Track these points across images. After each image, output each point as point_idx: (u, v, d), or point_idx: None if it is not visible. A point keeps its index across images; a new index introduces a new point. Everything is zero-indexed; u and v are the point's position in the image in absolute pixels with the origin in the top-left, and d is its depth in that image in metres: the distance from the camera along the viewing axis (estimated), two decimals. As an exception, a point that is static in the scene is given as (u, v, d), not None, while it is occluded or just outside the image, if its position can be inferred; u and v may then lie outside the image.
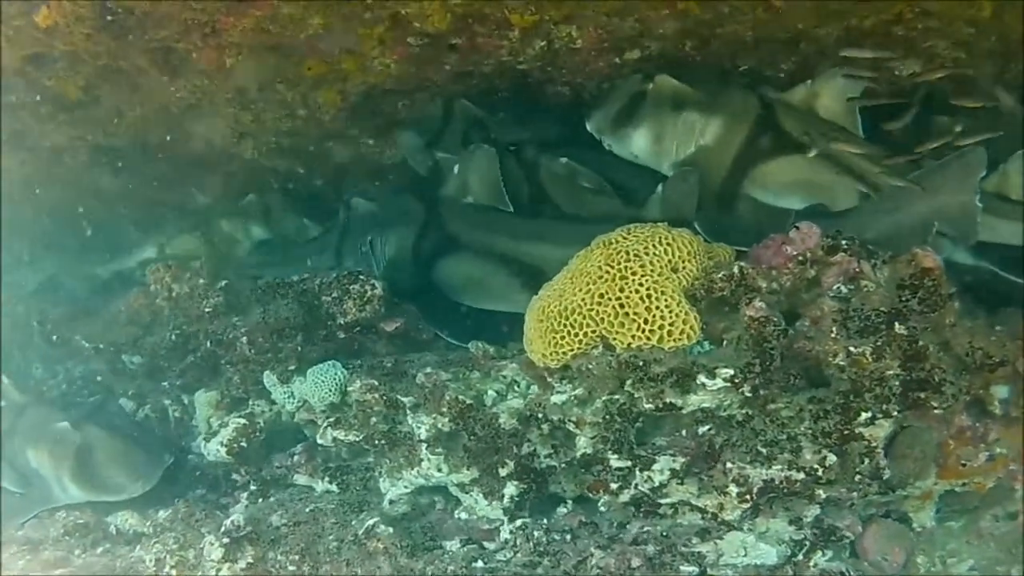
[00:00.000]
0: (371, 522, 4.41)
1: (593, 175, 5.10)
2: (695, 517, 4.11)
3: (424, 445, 4.50)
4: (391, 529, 4.35)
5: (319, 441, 4.84)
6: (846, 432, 3.95)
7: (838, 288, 4.28)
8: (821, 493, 4.02)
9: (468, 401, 4.46)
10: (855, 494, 4.05)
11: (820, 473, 3.96)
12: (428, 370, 4.70)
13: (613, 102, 5.09)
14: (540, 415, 4.31)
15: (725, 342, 4.18)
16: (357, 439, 4.69)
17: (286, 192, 6.81)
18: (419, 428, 4.52)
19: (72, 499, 5.28)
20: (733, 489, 3.98)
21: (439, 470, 4.48)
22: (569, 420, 4.24)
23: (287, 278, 5.34)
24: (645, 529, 4.12)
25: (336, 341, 5.09)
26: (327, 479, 4.89)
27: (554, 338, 4.28)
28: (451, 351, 5.01)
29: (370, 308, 5.03)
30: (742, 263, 4.30)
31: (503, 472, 4.36)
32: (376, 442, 4.62)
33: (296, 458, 5.00)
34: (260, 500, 4.98)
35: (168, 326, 5.61)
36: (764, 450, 3.95)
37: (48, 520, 5.28)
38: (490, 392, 4.59)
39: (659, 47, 4.98)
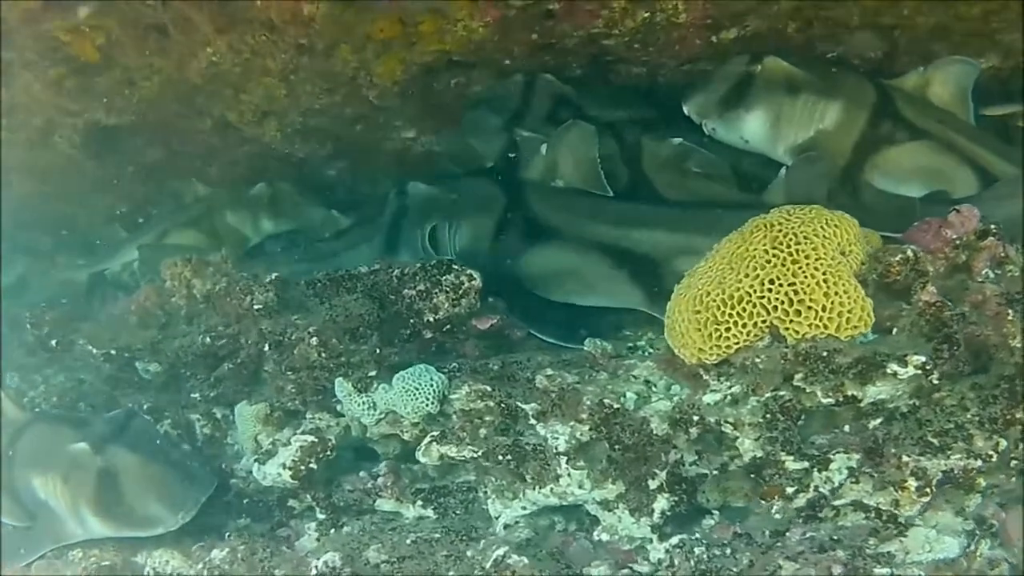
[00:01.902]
0: (499, 552, 3.30)
1: (710, 157, 4.18)
2: (858, 517, 3.36)
3: (563, 459, 3.42)
4: (525, 559, 3.26)
5: (421, 459, 3.67)
6: (1009, 417, 3.28)
7: (986, 273, 3.61)
8: (981, 482, 3.33)
9: (615, 406, 3.43)
10: (1013, 480, 3.35)
11: (994, 460, 3.27)
12: (549, 372, 3.64)
13: (716, 84, 4.21)
14: (694, 417, 3.38)
15: (895, 329, 3.44)
16: (473, 455, 3.55)
17: (300, 181, 5.57)
18: (555, 439, 3.44)
19: (91, 535, 3.89)
20: (912, 483, 3.26)
21: (580, 486, 3.42)
22: (726, 421, 3.37)
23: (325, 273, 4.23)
24: (807, 535, 3.32)
25: (421, 341, 3.92)
26: (420, 503, 3.74)
27: (717, 330, 3.39)
28: (553, 351, 3.95)
29: (465, 303, 3.88)
30: (912, 247, 3.56)
31: (653, 484, 3.37)
32: (499, 457, 3.50)
33: (381, 480, 3.82)
34: (332, 531, 3.77)
35: (197, 327, 4.33)
36: (936, 440, 3.28)
37: (60, 561, 3.90)
38: (629, 395, 3.57)
39: (758, 27, 4.27)
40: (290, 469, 3.79)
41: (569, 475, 3.44)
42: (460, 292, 3.85)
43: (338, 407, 3.95)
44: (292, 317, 3.94)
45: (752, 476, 3.42)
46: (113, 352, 4.49)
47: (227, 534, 3.82)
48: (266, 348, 3.96)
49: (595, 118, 4.29)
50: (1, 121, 5.04)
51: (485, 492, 3.62)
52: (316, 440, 3.80)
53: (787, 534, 3.35)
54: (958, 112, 4.36)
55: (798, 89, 4.23)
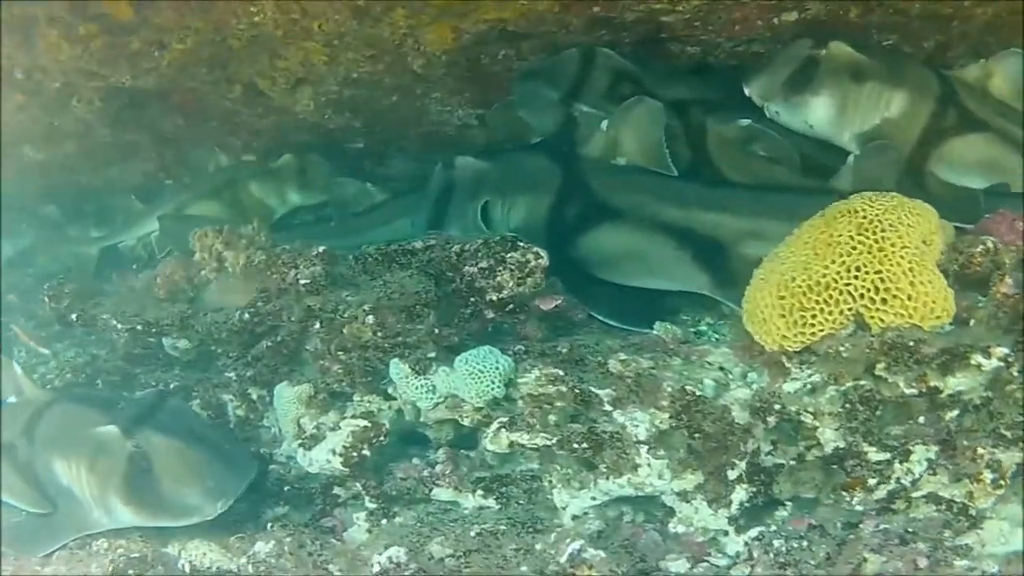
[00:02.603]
0: (574, 546, 2.97)
1: (778, 140, 3.85)
2: (930, 509, 3.12)
3: (644, 447, 3.10)
4: (602, 553, 2.93)
5: (489, 446, 3.28)
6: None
7: (1051, 266, 3.42)
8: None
9: (696, 393, 3.13)
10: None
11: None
12: (622, 356, 3.30)
13: (780, 67, 3.88)
14: (774, 406, 3.11)
15: (973, 321, 3.22)
16: (546, 442, 3.17)
17: (329, 153, 5.11)
18: (634, 427, 3.11)
19: (119, 524, 3.46)
20: (987, 475, 3.05)
21: (660, 477, 3.10)
22: (805, 411, 3.11)
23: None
24: (881, 527, 3.07)
25: (481, 321, 3.53)
26: (480, 492, 3.36)
27: (803, 317, 3.13)
28: (619, 334, 3.59)
29: (531, 282, 3.48)
30: (992, 238, 3.36)
31: (732, 475, 3.10)
32: (574, 445, 3.14)
33: (439, 467, 3.44)
34: (384, 521, 3.38)
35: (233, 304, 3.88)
36: (1008, 433, 3.07)
37: (84, 552, 3.46)
38: (707, 382, 3.27)
39: (818, 10, 3.97)
40: (340, 455, 3.39)
41: (649, 465, 3.14)
42: (526, 271, 3.46)
43: (389, 389, 3.56)
44: (342, 294, 3.51)
45: (832, 467, 3.17)
46: (139, 327, 4.03)
47: (269, 525, 3.43)
48: (315, 326, 3.53)
49: (657, 96, 3.92)
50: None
51: (550, 481, 3.28)
52: (369, 425, 3.41)
53: (860, 526, 3.11)
54: (1017, 105, 4.11)
55: (863, 76, 3.95)
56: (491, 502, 3.35)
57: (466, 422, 3.43)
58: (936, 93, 4.00)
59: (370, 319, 3.37)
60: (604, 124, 3.89)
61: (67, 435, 3.66)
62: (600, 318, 3.64)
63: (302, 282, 3.57)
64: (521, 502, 3.35)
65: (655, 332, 3.52)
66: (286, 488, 3.60)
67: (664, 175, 3.79)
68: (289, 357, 3.76)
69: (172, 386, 4.05)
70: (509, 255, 3.47)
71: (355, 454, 3.39)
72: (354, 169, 5.06)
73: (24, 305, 5.19)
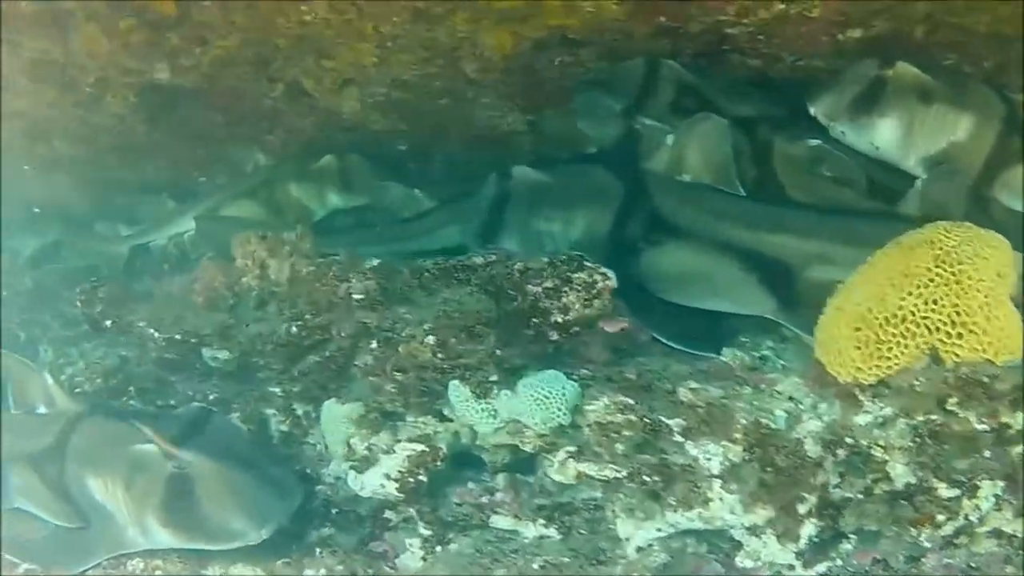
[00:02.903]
0: (641, 580, 2.77)
1: (847, 162, 3.62)
2: (991, 544, 3.02)
3: (718, 482, 2.93)
4: (669, 588, 2.74)
5: (555, 476, 3.09)
6: None
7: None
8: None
9: (772, 426, 2.97)
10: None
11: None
12: (693, 385, 3.11)
13: (846, 87, 3.66)
14: (846, 439, 2.98)
15: None
16: (615, 474, 2.99)
17: (371, 155, 4.84)
18: (707, 459, 2.95)
19: (156, 545, 3.24)
20: None
21: (732, 511, 2.92)
22: (876, 444, 2.98)
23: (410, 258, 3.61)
24: (944, 561, 2.99)
25: (544, 343, 3.30)
26: (542, 521, 3.15)
27: (879, 349, 2.98)
28: (685, 358, 3.37)
29: (598, 304, 3.26)
30: None
31: (802, 509, 2.94)
32: (644, 478, 2.96)
33: (500, 495, 3.22)
34: (439, 548, 3.17)
35: (278, 313, 3.65)
36: None
37: (119, 571, 3.26)
38: (778, 413, 3.07)
39: (883, 28, 3.76)
40: (395, 480, 3.20)
41: (721, 499, 2.97)
42: (593, 292, 3.24)
43: (445, 411, 3.33)
44: (399, 310, 3.28)
45: (901, 501, 3.01)
46: (178, 337, 3.79)
47: (317, 549, 3.21)
48: (369, 343, 3.29)
49: (723, 111, 3.70)
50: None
51: (614, 511, 3.08)
52: (426, 449, 3.19)
53: (923, 560, 3.02)
54: None
55: (930, 97, 3.74)
56: (552, 531, 3.17)
57: (527, 448, 3.22)
58: (1001, 116, 3.79)
59: (430, 339, 3.14)
60: (669, 139, 3.67)
61: (103, 451, 3.43)
62: (664, 340, 3.41)
63: (356, 297, 3.34)
64: (583, 532, 3.18)
65: (723, 358, 3.32)
66: (334, 510, 3.38)
67: (731, 194, 3.58)
68: (337, 373, 3.53)
69: (210, 397, 3.83)
70: (576, 275, 3.25)
71: (411, 479, 3.19)
72: (396, 171, 4.79)
73: (51, 304, 4.92)
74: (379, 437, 3.33)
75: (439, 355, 3.14)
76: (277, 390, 3.62)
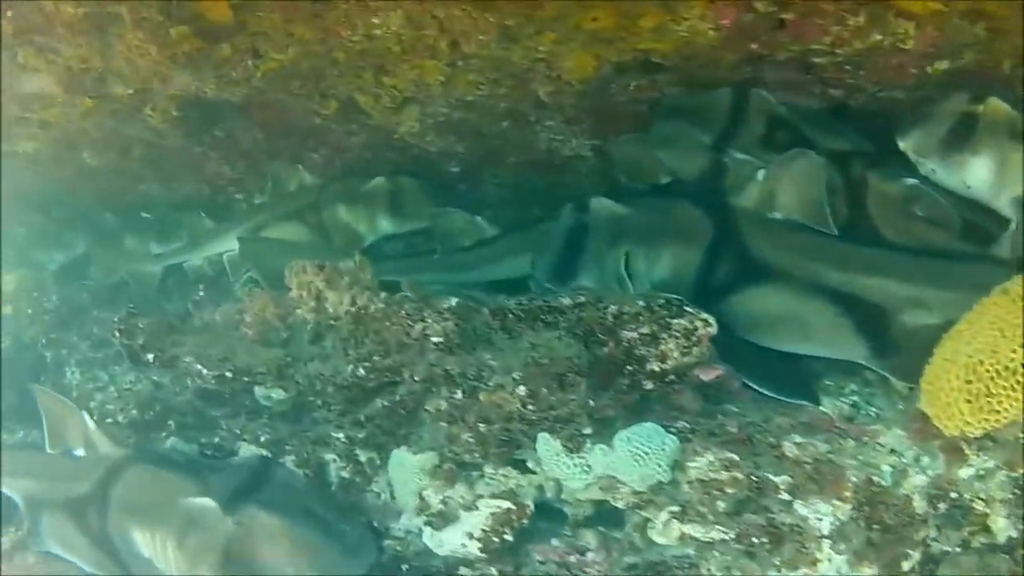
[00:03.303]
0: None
1: (941, 203, 3.32)
2: None
3: (827, 542, 2.70)
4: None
5: (658, 539, 2.79)
6: None
7: None
8: None
9: (883, 483, 2.76)
10: None
11: None
12: (798, 439, 2.86)
13: (937, 122, 3.35)
14: (951, 494, 2.81)
15: None
16: (723, 536, 2.71)
17: (422, 178, 4.43)
18: (818, 520, 2.71)
19: (209, 606, 2.96)
20: None
21: (839, 571, 2.71)
22: (977, 497, 2.82)
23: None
24: None
25: (639, 393, 2.99)
26: None
27: (989, 402, 2.76)
28: (782, 407, 3.08)
29: (696, 352, 2.94)
30: None
31: (906, 566, 2.76)
32: (753, 540, 2.69)
33: (591, 555, 2.91)
34: (522, 613, 2.87)
35: (344, 353, 3.27)
36: None
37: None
38: (884, 468, 2.85)
39: (970, 60, 3.42)
40: (479, 540, 2.87)
41: (830, 560, 2.76)
42: (692, 339, 2.92)
43: (528, 463, 3.01)
44: (483, 356, 2.94)
45: (1001, 554, 2.83)
46: (228, 374, 3.42)
47: (391, 614, 2.90)
48: (449, 390, 2.95)
49: (815, 145, 3.39)
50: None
51: (709, 570, 2.81)
52: (512, 506, 2.87)
53: None
54: None
55: (1021, 135, 3.39)
56: (644, 592, 2.87)
57: (619, 504, 2.90)
58: None
59: (521, 390, 2.81)
60: (760, 174, 3.35)
61: (151, 501, 3.12)
62: (758, 389, 3.10)
63: (433, 340, 2.99)
64: (675, 593, 2.88)
65: (822, 408, 3.04)
66: (404, 566, 3.08)
67: (825, 234, 3.28)
68: (406, 419, 3.20)
69: (262, 438, 3.48)
70: (675, 321, 2.93)
71: (496, 539, 2.88)
72: (447, 194, 4.44)
73: (78, 323, 4.53)
74: (455, 490, 3.02)
75: (530, 405, 2.82)
76: (340, 435, 3.29)
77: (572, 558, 2.93)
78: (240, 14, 3.32)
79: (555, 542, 3.01)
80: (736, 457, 2.77)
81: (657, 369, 2.94)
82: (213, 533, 2.90)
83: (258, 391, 3.47)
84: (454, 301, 3.07)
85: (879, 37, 3.22)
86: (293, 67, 3.62)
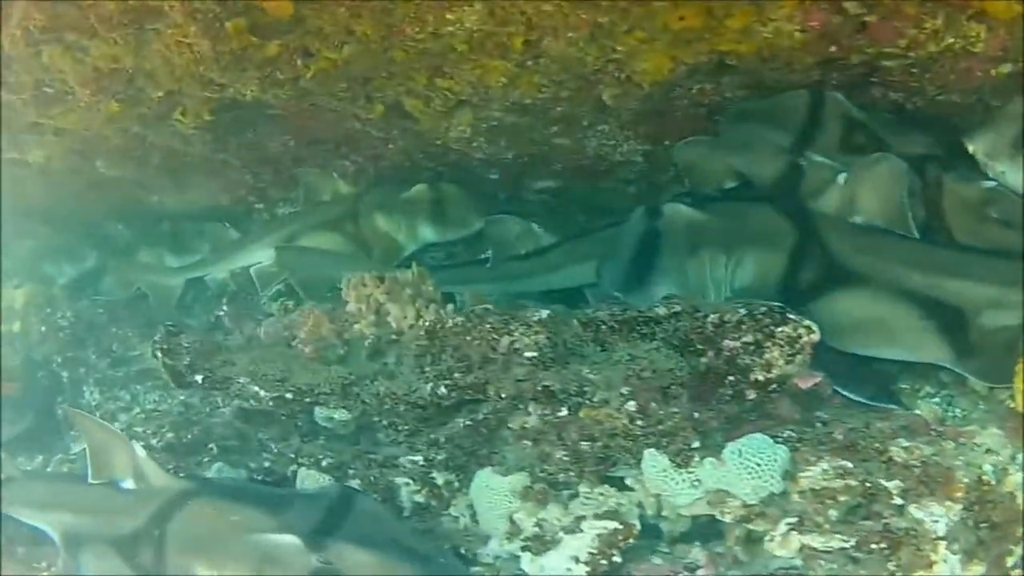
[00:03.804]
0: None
1: (1018, 205, 3.21)
2: None
3: (943, 543, 2.56)
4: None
5: (778, 552, 2.58)
6: None
7: None
8: None
9: (991, 482, 2.64)
10: None
11: None
12: (903, 443, 2.72)
13: (1005, 125, 3.24)
14: None
15: None
16: (843, 544, 2.53)
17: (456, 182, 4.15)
18: (933, 521, 2.58)
19: (290, 650, 2.63)
20: None
21: (952, 572, 2.57)
22: None
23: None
24: None
25: (742, 404, 2.80)
26: None
27: None
28: (876, 412, 2.91)
29: (799, 360, 2.76)
30: None
31: (1010, 562, 2.64)
32: (872, 546, 2.53)
33: (701, 572, 2.67)
34: (627, 638, 2.64)
35: (418, 371, 2.99)
36: None
37: None
38: (986, 467, 2.73)
39: None
40: (587, 564, 2.61)
41: (945, 561, 2.62)
42: (796, 347, 2.74)
43: (625, 480, 2.78)
44: (579, 368, 2.70)
45: None
46: (288, 395, 3.10)
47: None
48: (540, 406, 2.70)
49: (892, 148, 3.25)
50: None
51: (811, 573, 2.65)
52: (619, 526, 2.63)
53: None
54: None
55: None
56: (756, 604, 2.67)
57: (727, 518, 2.70)
58: None
59: (632, 405, 2.58)
60: (841, 178, 3.20)
61: (218, 538, 2.75)
62: (848, 394, 2.95)
63: (527, 355, 2.74)
64: (784, 601, 2.71)
65: (917, 412, 2.92)
66: (495, 595, 2.80)
67: (907, 237, 3.15)
68: (488, 438, 2.94)
69: (323, 462, 3.16)
70: (779, 329, 2.74)
71: (604, 561, 2.64)
72: (486, 202, 4.17)
73: (95, 338, 4.11)
74: (548, 512, 2.77)
75: (639, 421, 2.60)
76: (417, 456, 3.00)
77: (671, 571, 2.71)
78: (300, 8, 3.02)
79: (656, 560, 2.79)
80: (850, 464, 2.62)
81: (761, 379, 2.75)
82: (294, 567, 2.59)
83: (319, 412, 3.17)
84: (545, 313, 2.84)
85: (952, 40, 3.12)
86: (344, 68, 3.33)
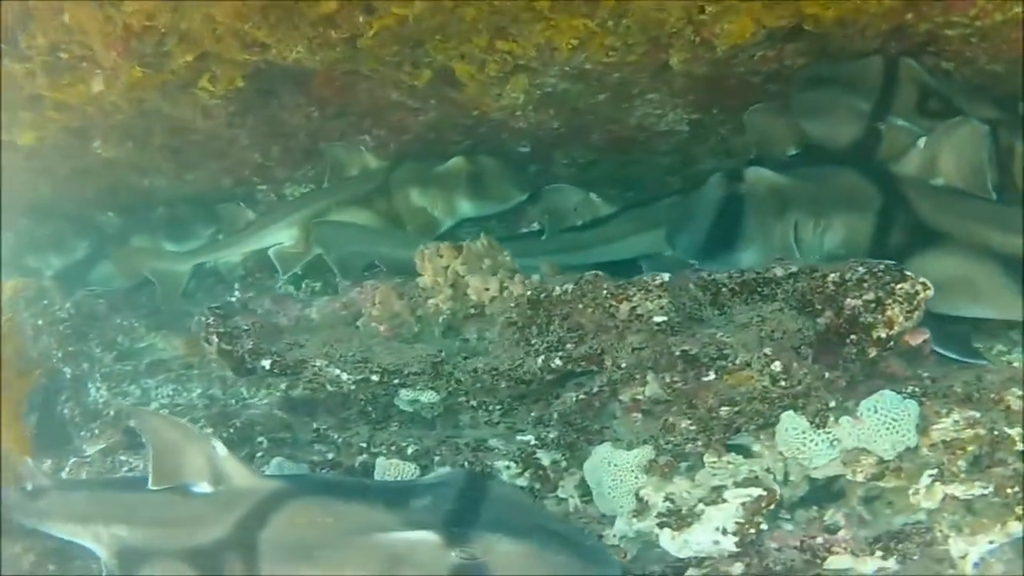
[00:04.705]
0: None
1: None
2: None
3: None
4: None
5: (924, 503, 2.41)
6: None
7: None
8: None
9: None
10: None
11: None
12: (1017, 392, 2.60)
13: None
14: None
15: None
16: (982, 492, 2.38)
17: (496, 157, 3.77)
18: None
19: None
20: None
21: None
22: None
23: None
24: None
25: (864, 362, 2.62)
26: (880, 553, 2.45)
27: None
28: (964, 366, 2.81)
29: (917, 316, 2.62)
30: None
31: None
32: (1008, 491, 2.38)
33: (842, 532, 2.49)
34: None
35: (523, 344, 2.65)
36: None
37: None
38: None
39: None
40: (734, 535, 2.37)
41: None
42: (914, 303, 2.61)
43: (754, 446, 2.57)
44: (715, 333, 2.46)
45: None
46: (375, 378, 2.69)
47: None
48: (663, 373, 2.43)
49: (964, 113, 3.18)
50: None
51: (942, 531, 2.51)
52: (763, 492, 2.41)
53: None
54: None
55: None
56: (891, 563, 2.49)
57: (858, 477, 2.54)
58: None
59: (777, 365, 2.36)
60: (921, 141, 3.12)
61: (325, 542, 2.31)
62: (942, 351, 2.87)
63: (656, 319, 2.48)
64: (915, 558, 2.53)
65: (1015, 364, 2.86)
66: (633, 576, 2.54)
67: (986, 200, 3.11)
68: (599, 412, 2.65)
69: (408, 449, 2.76)
70: (899, 286, 2.61)
71: (751, 530, 2.41)
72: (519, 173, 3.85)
73: (98, 332, 3.47)
74: (676, 486, 2.53)
75: (781, 382, 2.39)
76: (527, 436, 2.66)
77: (818, 539, 2.51)
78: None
79: (788, 527, 2.60)
80: (977, 414, 2.52)
81: (884, 336, 2.61)
82: (430, 572, 2.19)
83: (404, 395, 2.77)
84: (666, 276, 2.59)
85: (1017, 10, 3.11)
86: (407, 27, 2.94)
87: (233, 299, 3.66)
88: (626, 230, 3.59)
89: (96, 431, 3.41)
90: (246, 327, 2.87)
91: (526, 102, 3.44)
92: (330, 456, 2.99)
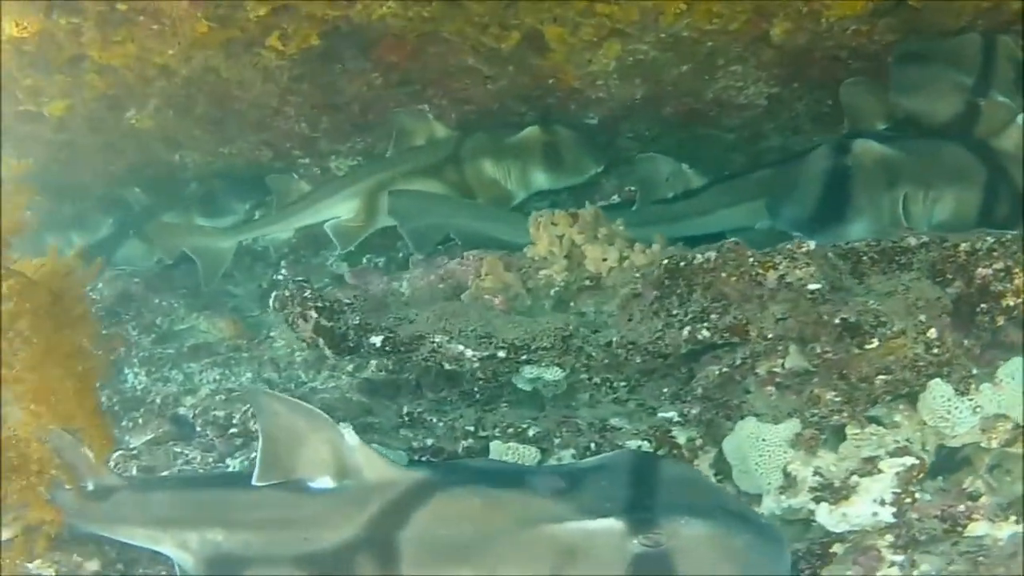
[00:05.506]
0: None
1: None
2: None
3: None
4: None
5: None
6: None
7: None
8: None
9: None
10: None
11: None
12: None
13: None
14: None
15: None
16: None
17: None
18: None
19: None
20: None
21: None
22: None
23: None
24: None
25: (992, 330, 2.68)
26: (1014, 518, 2.48)
27: None
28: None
29: (1039, 285, 2.85)
30: None
31: None
32: None
33: (984, 499, 2.49)
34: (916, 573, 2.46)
35: (660, 316, 2.59)
36: None
37: None
38: None
39: None
40: (892, 505, 2.41)
41: None
42: (1039, 273, 2.74)
43: (887, 416, 2.61)
44: (867, 301, 2.49)
45: None
46: (500, 354, 2.55)
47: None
48: (808, 343, 2.45)
49: None
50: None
51: None
52: (916, 460, 2.45)
53: None
54: None
55: None
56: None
57: (993, 444, 2.62)
58: None
59: (932, 333, 2.40)
60: (1020, 118, 3.26)
61: (490, 538, 2.14)
62: None
63: (810, 287, 2.49)
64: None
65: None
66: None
67: None
68: (736, 386, 2.63)
69: (530, 431, 2.64)
70: None
71: (908, 500, 2.46)
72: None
73: (135, 315, 3.16)
74: (822, 459, 2.59)
75: (935, 349, 2.43)
76: (675, 415, 2.60)
77: (960, 507, 2.61)
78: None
79: (926, 496, 2.65)
80: (1108, 373, 2.70)
81: (1012, 304, 2.73)
82: (610, 563, 2.06)
83: (528, 371, 2.66)
84: (812, 244, 2.62)
85: None
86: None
87: (280, 277, 3.42)
88: (717, 203, 3.64)
89: (139, 420, 3.22)
90: (348, 301, 2.79)
91: (615, 69, 3.46)
92: (429, 442, 2.90)
